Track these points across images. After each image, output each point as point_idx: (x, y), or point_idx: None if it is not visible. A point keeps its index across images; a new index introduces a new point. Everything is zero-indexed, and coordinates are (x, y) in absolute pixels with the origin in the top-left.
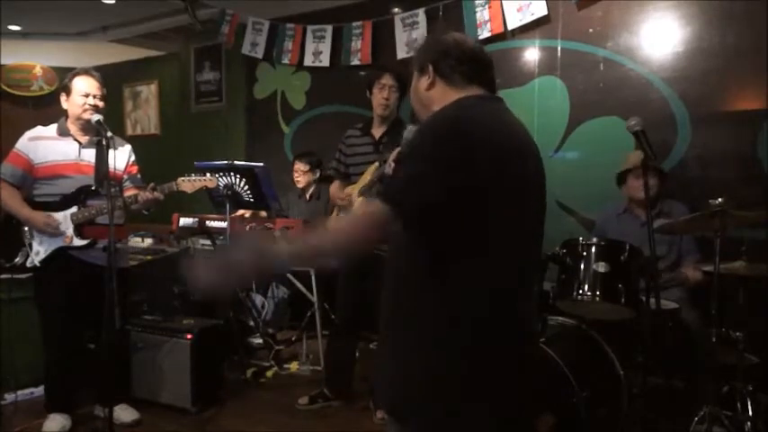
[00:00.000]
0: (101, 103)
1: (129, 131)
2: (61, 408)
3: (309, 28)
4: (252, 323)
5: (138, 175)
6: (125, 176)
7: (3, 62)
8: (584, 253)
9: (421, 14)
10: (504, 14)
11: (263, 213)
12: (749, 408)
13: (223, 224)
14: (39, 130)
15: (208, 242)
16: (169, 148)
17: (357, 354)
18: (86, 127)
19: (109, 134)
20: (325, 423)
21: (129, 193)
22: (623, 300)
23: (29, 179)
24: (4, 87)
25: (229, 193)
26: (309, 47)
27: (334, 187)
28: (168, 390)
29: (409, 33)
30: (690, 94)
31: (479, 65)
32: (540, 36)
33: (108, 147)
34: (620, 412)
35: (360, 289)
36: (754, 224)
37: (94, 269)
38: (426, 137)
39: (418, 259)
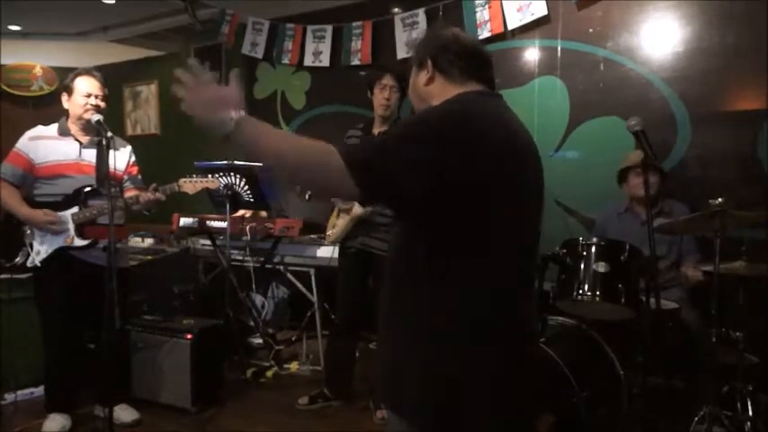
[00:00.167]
0: (102, 104)
1: (129, 131)
2: (61, 408)
3: (309, 28)
4: (252, 323)
5: (139, 176)
6: (125, 177)
7: (3, 62)
8: (584, 253)
9: (421, 14)
10: (504, 14)
11: (263, 213)
12: (749, 408)
13: (223, 224)
14: (39, 129)
15: (208, 242)
16: (169, 148)
17: (357, 354)
18: (87, 127)
19: (109, 134)
20: (325, 423)
21: (129, 193)
22: (623, 300)
23: (29, 179)
24: (4, 87)
25: (229, 193)
26: (309, 47)
27: None
28: (168, 390)
29: (409, 33)
30: (690, 94)
31: (478, 60)
32: (540, 36)
33: (108, 147)
34: (620, 412)
35: (360, 289)
36: (754, 224)
37: (95, 269)
38: (425, 121)
39: (417, 256)
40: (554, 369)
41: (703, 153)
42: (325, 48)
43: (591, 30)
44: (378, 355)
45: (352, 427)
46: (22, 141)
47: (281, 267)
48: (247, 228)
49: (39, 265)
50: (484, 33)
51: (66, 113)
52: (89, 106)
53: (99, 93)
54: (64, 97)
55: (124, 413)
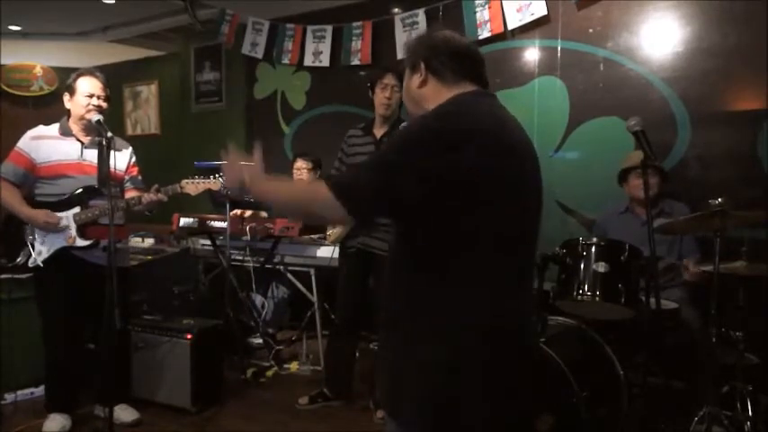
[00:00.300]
0: (104, 104)
1: (129, 131)
2: (61, 408)
3: (309, 28)
4: (252, 323)
5: (139, 177)
6: (126, 177)
7: (3, 62)
8: (584, 253)
9: (421, 14)
10: (504, 14)
11: (264, 213)
12: (749, 408)
13: (223, 224)
14: (41, 129)
15: (208, 242)
16: (169, 148)
17: (357, 354)
18: (88, 127)
19: (109, 134)
20: (325, 423)
21: (130, 194)
22: (623, 300)
23: (30, 178)
24: (4, 87)
25: (229, 193)
26: (309, 47)
27: None
28: (168, 390)
29: (409, 33)
30: (690, 94)
31: (471, 61)
32: (539, 36)
33: (109, 147)
34: (620, 412)
35: (360, 289)
36: (754, 224)
37: (97, 269)
38: (424, 125)
39: (417, 257)
40: (554, 369)
41: (703, 153)
42: (325, 48)
43: (591, 30)
44: (378, 354)
45: (352, 427)
46: (24, 141)
47: (281, 267)
48: (247, 228)
49: (40, 265)
50: (484, 33)
51: (67, 113)
52: (91, 106)
53: (101, 93)
54: (66, 97)
55: (124, 413)
